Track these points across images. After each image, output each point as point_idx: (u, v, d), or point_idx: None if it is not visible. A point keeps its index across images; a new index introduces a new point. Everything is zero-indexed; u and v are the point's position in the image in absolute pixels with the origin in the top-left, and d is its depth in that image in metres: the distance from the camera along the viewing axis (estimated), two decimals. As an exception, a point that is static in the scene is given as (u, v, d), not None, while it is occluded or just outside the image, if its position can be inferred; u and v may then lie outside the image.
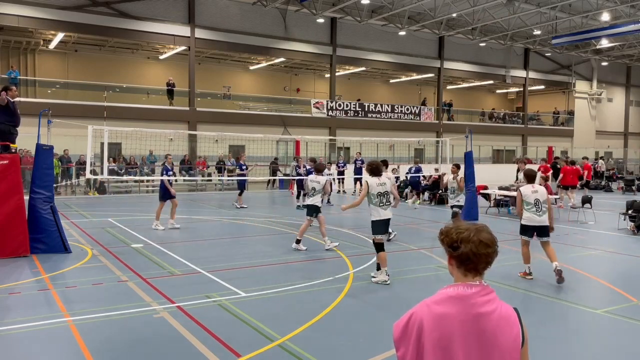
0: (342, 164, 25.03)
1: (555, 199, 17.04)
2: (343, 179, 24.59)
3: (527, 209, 8.32)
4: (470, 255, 2.08)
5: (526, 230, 8.44)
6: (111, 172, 22.12)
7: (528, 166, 14.97)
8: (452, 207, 13.02)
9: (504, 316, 2.07)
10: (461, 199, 12.83)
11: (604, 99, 44.55)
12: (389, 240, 11.02)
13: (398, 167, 25.43)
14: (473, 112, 40.56)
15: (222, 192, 25.21)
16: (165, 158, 13.74)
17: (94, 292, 7.49)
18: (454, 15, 30.62)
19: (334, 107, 31.68)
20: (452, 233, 2.13)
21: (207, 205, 18.56)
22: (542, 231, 8.35)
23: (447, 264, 2.20)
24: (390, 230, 10.48)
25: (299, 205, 17.67)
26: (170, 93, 28.19)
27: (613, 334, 6.24)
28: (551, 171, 19.71)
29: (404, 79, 40.31)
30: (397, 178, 23.08)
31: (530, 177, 8.58)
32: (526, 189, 8.40)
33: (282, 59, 32.09)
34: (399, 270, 9.01)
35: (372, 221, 8.09)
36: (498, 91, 46.90)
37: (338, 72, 33.99)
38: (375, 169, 8.08)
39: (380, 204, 8.02)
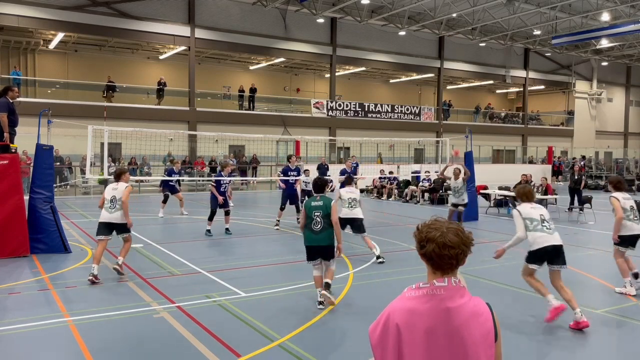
0: (355, 164, 24.99)
1: (555, 198, 17.04)
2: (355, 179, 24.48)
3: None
4: (433, 255, 2.12)
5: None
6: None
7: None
8: (455, 205, 13.19)
9: (474, 311, 2.10)
10: (465, 197, 13.12)
11: (604, 99, 44.55)
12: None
13: (398, 167, 25.52)
14: (472, 112, 40.52)
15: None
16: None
17: (94, 292, 7.49)
18: (454, 15, 30.61)
19: (334, 107, 31.68)
20: (423, 231, 2.18)
21: (207, 205, 18.50)
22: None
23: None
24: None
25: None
26: (159, 92, 28.06)
27: (613, 334, 6.24)
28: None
29: (404, 79, 40.30)
30: (396, 178, 23.16)
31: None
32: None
33: (282, 59, 32.08)
34: (400, 270, 9.01)
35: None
36: (498, 91, 46.90)
37: (338, 72, 33.99)
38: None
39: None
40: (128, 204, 8.28)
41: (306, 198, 7.92)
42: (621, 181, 7.97)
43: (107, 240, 8.30)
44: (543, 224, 6.40)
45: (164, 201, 15.94)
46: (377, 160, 30.36)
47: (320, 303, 6.72)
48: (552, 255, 6.31)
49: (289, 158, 14.72)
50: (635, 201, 7.89)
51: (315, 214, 6.72)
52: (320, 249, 6.73)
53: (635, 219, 7.59)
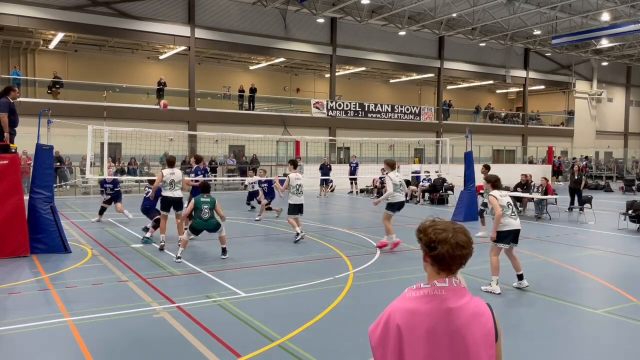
0: (355, 164, 25.11)
1: (555, 198, 17.03)
2: (355, 178, 24.59)
3: None
4: (446, 256, 2.12)
5: None
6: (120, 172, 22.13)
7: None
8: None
9: (475, 312, 2.10)
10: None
11: (604, 99, 44.53)
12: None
13: (398, 167, 25.55)
14: (472, 112, 40.51)
15: (220, 191, 25.20)
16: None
17: (94, 292, 7.49)
18: (454, 15, 30.60)
19: (334, 107, 31.67)
20: (430, 233, 2.16)
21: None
22: None
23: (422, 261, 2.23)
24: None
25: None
26: (159, 92, 27.99)
27: (613, 334, 6.24)
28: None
29: (404, 79, 40.29)
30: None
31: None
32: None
33: (282, 59, 32.06)
34: (400, 270, 9.01)
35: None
36: (498, 91, 46.88)
37: (338, 72, 33.97)
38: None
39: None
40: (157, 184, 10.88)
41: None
42: (498, 179, 8.15)
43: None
44: (400, 187, 10.89)
45: (100, 212, 14.24)
46: (414, 160, 31.59)
47: (179, 258, 9.40)
48: (402, 207, 11.05)
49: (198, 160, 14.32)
50: (511, 197, 8.37)
51: (204, 207, 9.51)
52: (208, 229, 9.66)
53: (513, 215, 7.82)
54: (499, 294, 7.51)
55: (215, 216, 9.61)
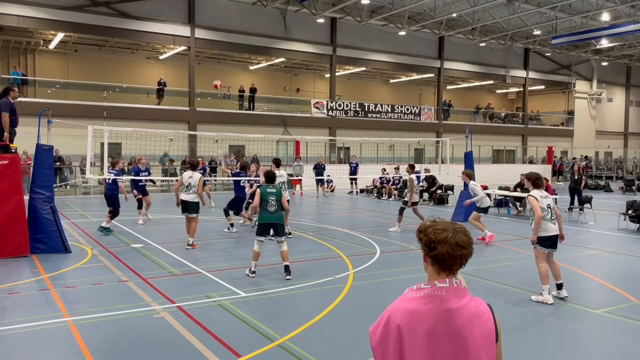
0: (355, 164, 25.11)
1: (556, 199, 17.00)
2: (356, 178, 24.60)
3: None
4: (445, 256, 2.11)
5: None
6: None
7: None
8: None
9: (475, 312, 2.10)
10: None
11: (604, 99, 44.53)
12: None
13: (398, 167, 25.51)
14: (472, 112, 40.51)
15: (220, 192, 25.19)
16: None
17: (94, 292, 7.49)
18: (454, 15, 30.60)
19: (334, 107, 31.67)
20: (430, 232, 2.16)
21: (207, 204, 18.52)
22: None
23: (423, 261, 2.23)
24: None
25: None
26: (159, 92, 27.99)
27: (613, 334, 6.24)
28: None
29: (404, 79, 40.29)
30: (400, 178, 23.11)
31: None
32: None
33: (282, 59, 32.07)
34: (400, 270, 9.02)
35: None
36: (498, 91, 46.88)
37: (338, 72, 33.97)
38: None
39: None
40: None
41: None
42: (540, 177, 7.34)
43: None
44: (487, 197, 12.35)
45: (139, 207, 14.23)
46: (435, 161, 31.23)
47: (254, 272, 8.44)
48: (487, 211, 12.46)
49: (138, 160, 15.15)
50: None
51: (271, 198, 8.51)
52: (274, 225, 8.48)
53: (553, 219, 7.23)
54: (552, 304, 7.02)
55: (282, 210, 8.68)
